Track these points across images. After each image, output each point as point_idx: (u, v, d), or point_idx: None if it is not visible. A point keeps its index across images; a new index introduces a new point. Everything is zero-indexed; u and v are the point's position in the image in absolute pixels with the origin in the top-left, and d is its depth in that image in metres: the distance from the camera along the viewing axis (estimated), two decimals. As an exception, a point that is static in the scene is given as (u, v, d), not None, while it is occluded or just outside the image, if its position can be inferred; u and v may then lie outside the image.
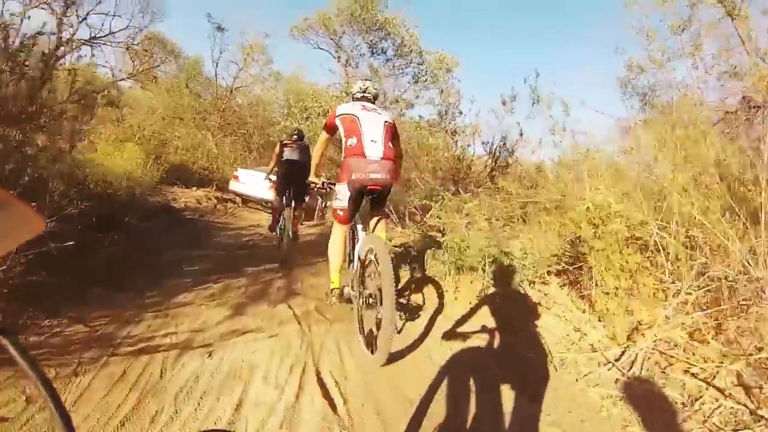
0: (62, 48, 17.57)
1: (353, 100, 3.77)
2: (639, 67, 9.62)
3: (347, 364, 3.40)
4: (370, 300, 3.27)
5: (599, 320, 4.40)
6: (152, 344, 3.45)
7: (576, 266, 5.10)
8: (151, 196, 9.90)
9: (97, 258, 4.96)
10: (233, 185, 12.54)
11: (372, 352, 3.22)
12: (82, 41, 18.27)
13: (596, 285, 4.52)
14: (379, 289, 3.06)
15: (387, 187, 3.43)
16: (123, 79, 20.36)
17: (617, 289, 4.23)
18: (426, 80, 18.70)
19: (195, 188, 12.81)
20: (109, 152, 9.75)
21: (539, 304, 4.81)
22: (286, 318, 4.30)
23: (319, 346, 3.69)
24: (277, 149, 7.33)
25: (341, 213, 3.53)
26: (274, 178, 7.29)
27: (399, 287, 5.22)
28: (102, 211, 5.98)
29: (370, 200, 3.52)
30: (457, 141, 12.24)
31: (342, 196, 3.44)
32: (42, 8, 16.80)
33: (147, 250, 6.20)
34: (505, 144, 12.15)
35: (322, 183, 4.19)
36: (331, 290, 3.66)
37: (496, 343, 4.02)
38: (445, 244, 5.71)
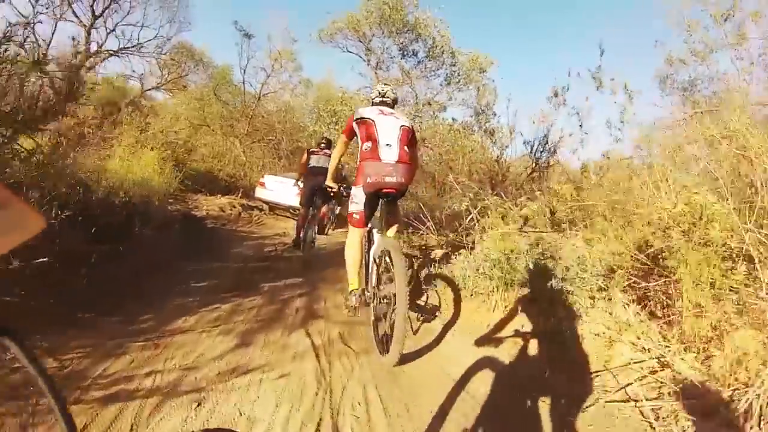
0: (91, 59, 17.44)
1: (372, 105, 3.78)
2: (680, 61, 8.73)
3: (375, 421, 2.58)
4: (385, 301, 3.32)
5: (686, 350, 3.48)
6: (129, 387, 2.69)
7: (648, 281, 4.19)
8: (172, 204, 9.35)
9: (94, 273, 4.27)
10: (259, 192, 11.93)
11: (385, 353, 3.23)
12: (110, 52, 18.31)
13: (685, 306, 3.60)
14: (393, 292, 3.10)
15: (401, 189, 3.45)
16: (151, 89, 20.37)
17: (706, 310, 3.33)
18: (459, 81, 18.01)
19: (220, 196, 12.20)
20: (127, 158, 9.24)
21: (606, 327, 3.90)
22: (302, 349, 3.49)
23: (341, 391, 2.88)
24: (304, 157, 7.34)
25: (357, 216, 3.51)
26: (302, 185, 7.21)
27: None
28: (110, 221, 5.36)
29: (385, 203, 3.54)
30: (495, 141, 11.40)
31: (358, 199, 3.46)
32: (71, 20, 16.84)
33: (156, 262, 5.53)
34: (547, 142, 11.28)
35: (339, 188, 4.16)
36: (351, 291, 3.57)
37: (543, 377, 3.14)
38: (489, 254, 4.89)
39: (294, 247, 7.13)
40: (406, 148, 3.42)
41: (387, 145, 3.34)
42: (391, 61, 18.45)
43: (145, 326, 3.63)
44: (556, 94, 7.77)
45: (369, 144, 3.36)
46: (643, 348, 3.60)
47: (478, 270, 4.94)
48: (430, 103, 17.02)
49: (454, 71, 18.19)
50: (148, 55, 18.83)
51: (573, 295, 4.35)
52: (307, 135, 15.40)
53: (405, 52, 18.08)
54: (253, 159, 17.44)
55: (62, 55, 16.49)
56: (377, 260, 3.52)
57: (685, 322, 3.56)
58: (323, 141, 7.54)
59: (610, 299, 4.34)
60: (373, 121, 3.43)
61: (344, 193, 4.06)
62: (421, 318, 4.44)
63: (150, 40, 18.68)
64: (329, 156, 6.75)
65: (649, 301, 4.16)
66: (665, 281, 3.90)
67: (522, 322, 4.09)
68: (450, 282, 5.12)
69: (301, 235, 6.87)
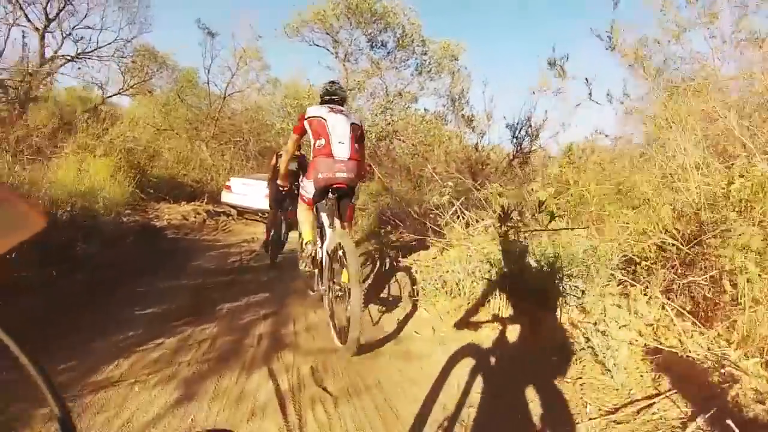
0: (47, 65, 16.27)
1: (321, 102, 3.86)
2: (655, 41, 8.21)
3: None
4: (339, 293, 3.39)
5: (746, 356, 2.81)
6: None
7: (679, 272, 3.54)
8: (129, 216, 8.48)
9: (9, 310, 3.46)
10: (225, 196, 11.09)
11: (343, 344, 3.25)
12: (68, 57, 17.14)
13: (744, 300, 2.95)
14: (348, 284, 3.19)
15: (352, 185, 3.57)
16: (113, 95, 19.23)
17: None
18: (431, 70, 17.28)
19: (184, 203, 11.27)
20: (76, 167, 8.31)
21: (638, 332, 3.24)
22: (263, 400, 2.65)
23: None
24: (273, 160, 7.10)
25: (306, 200, 3.72)
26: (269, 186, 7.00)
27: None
28: (46, 239, 4.60)
29: (336, 198, 3.61)
30: (474, 128, 10.74)
31: (308, 191, 3.61)
32: (23, 25, 15.64)
33: (97, 286, 4.68)
34: (530, 125, 10.67)
35: (291, 186, 4.40)
36: (306, 243, 3.79)
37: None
38: (487, 254, 4.22)
39: (264, 250, 6.83)
40: (356, 145, 3.56)
41: (339, 142, 3.45)
42: (359, 52, 17.70)
43: (63, 379, 2.79)
44: (552, 64, 7.07)
45: (322, 141, 3.46)
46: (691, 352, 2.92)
47: (473, 273, 4.25)
48: (401, 94, 16.32)
49: (425, 60, 17.51)
50: (108, 59, 17.69)
51: (586, 294, 3.69)
52: (274, 133, 14.50)
53: (374, 43, 17.31)
54: (221, 162, 16.54)
55: (16, 62, 15.65)
56: (330, 254, 3.57)
57: (742, 320, 2.92)
58: None
59: (624, 294, 3.69)
60: (324, 119, 3.52)
61: (297, 192, 4.11)
62: (383, 309, 4.41)
63: (110, 43, 17.53)
64: (301, 157, 6.53)
65: (677, 296, 3.51)
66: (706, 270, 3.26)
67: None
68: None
69: (270, 239, 6.52)
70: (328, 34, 17.52)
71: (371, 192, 10.18)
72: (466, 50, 16.08)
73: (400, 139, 13.44)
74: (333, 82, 4.00)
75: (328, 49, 18.09)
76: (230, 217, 11.36)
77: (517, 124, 10.61)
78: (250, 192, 10.54)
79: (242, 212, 11.39)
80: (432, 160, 10.98)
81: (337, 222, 3.64)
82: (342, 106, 3.84)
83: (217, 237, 9.10)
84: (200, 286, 5.25)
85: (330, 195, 3.61)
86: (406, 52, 17.29)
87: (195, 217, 10.16)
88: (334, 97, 3.85)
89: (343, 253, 3.25)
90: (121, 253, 6.13)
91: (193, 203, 11.49)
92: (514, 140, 9.90)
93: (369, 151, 11.94)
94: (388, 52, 17.40)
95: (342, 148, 3.45)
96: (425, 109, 15.51)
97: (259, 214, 10.89)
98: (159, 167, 13.23)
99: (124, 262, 5.80)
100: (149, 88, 20.43)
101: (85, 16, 16.46)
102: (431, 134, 13.15)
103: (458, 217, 5.60)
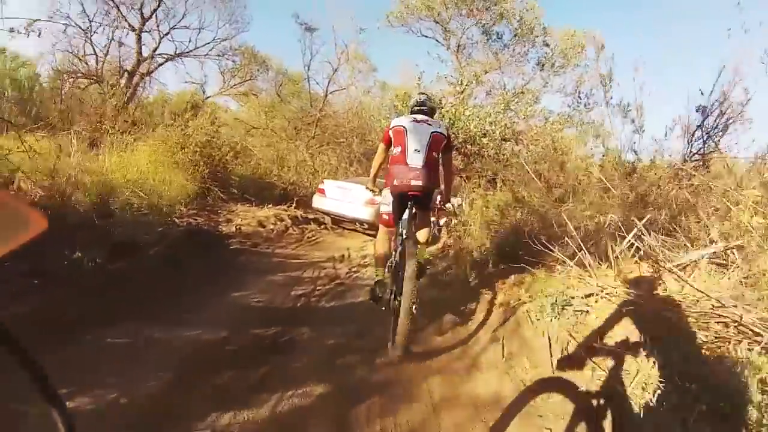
0: (144, 63, 15.13)
1: (411, 113, 3.66)
2: None
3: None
4: (396, 294, 3.20)
5: None
6: None
7: None
8: (189, 217, 6.39)
9: None
10: (318, 201, 8.84)
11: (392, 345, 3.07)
12: (166, 56, 16.09)
13: None
14: (402, 282, 3.04)
15: (426, 192, 3.33)
16: (213, 96, 18.04)
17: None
18: (554, 64, 14.54)
19: (271, 206, 9.12)
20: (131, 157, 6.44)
21: None
22: None
23: None
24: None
25: (386, 217, 3.47)
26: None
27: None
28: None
29: (413, 206, 3.28)
30: (632, 120, 7.55)
31: (387, 200, 3.42)
32: (123, 26, 14.81)
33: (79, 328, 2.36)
34: (722, 113, 7.18)
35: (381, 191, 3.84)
36: (376, 282, 3.49)
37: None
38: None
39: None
40: (435, 153, 3.37)
41: (415, 150, 3.29)
42: (473, 45, 15.29)
43: None
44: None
45: (399, 149, 3.33)
46: None
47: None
48: (523, 92, 13.36)
49: (547, 53, 14.74)
50: (207, 58, 16.53)
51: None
52: (379, 129, 12.20)
53: (488, 34, 14.69)
54: (322, 165, 14.48)
55: (114, 61, 14.91)
56: (397, 259, 3.28)
57: None
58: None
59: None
60: (404, 128, 3.38)
61: None
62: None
63: (207, 43, 16.34)
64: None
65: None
66: None
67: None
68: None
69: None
70: (437, 23, 15.32)
71: (498, 204, 7.20)
72: (603, 45, 12.59)
73: (522, 142, 10.46)
74: (422, 93, 3.90)
75: (437, 40, 15.64)
76: (323, 226, 9.05)
77: (709, 106, 7.09)
78: (346, 197, 8.36)
79: (338, 220, 9.11)
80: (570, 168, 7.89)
81: (414, 231, 3.23)
82: (430, 116, 3.59)
83: (297, 251, 6.71)
84: (214, 349, 2.73)
85: (408, 206, 3.25)
86: (524, 44, 14.55)
87: (276, 223, 7.89)
88: (422, 107, 3.59)
89: (406, 255, 3.04)
90: (130, 270, 3.85)
91: (280, 207, 9.30)
92: (689, 138, 6.53)
93: (492, 152, 9.59)
94: (505, 45, 14.76)
95: (417, 156, 3.26)
96: (549, 111, 12.60)
97: (358, 225, 8.62)
98: (247, 166, 11.34)
99: (133, 282, 3.54)
100: (254, 90, 19.21)
101: (183, 17, 15.43)
102: (557, 138, 10.08)
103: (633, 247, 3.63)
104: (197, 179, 7.97)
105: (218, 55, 16.86)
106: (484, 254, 5.22)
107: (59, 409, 0.60)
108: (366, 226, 8.51)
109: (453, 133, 9.62)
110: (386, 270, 3.44)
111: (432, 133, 3.41)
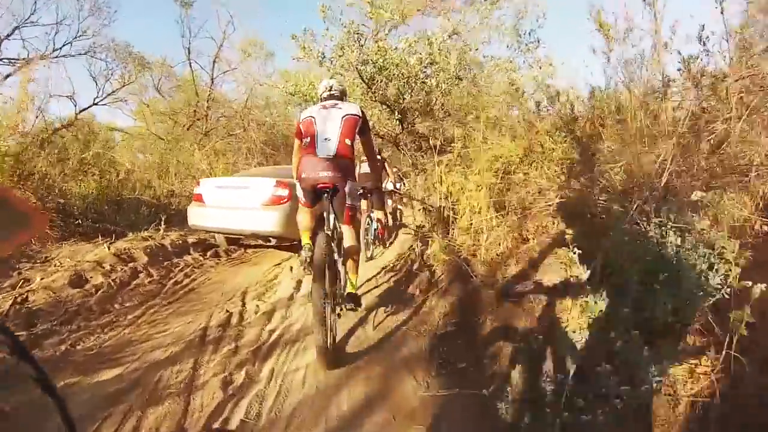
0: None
1: (321, 101, 3.24)
2: None
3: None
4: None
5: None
6: None
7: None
8: None
9: None
10: (194, 215, 5.42)
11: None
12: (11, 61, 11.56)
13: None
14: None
15: (339, 184, 2.94)
16: (86, 108, 13.57)
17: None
18: None
19: (108, 242, 5.37)
20: None
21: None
22: None
23: None
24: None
25: (302, 201, 3.10)
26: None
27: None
28: None
29: (330, 200, 2.93)
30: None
31: (299, 193, 3.09)
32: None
33: None
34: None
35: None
36: (303, 245, 3.09)
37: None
38: None
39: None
40: (348, 140, 2.99)
41: (325, 139, 2.95)
42: None
43: None
44: None
45: (308, 139, 3.00)
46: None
47: None
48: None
49: None
50: (69, 59, 12.20)
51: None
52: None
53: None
54: (218, 162, 10.92)
55: None
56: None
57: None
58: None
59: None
60: (313, 117, 3.03)
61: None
62: None
63: (68, 43, 12.01)
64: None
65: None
66: None
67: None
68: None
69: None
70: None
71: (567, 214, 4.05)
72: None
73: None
74: (331, 78, 3.97)
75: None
76: (210, 252, 5.63)
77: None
78: (237, 201, 5.13)
79: (232, 238, 5.76)
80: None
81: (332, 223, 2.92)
82: (341, 100, 3.20)
83: (132, 333, 3.12)
84: None
85: (324, 197, 2.94)
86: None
87: (112, 271, 4.35)
88: (332, 92, 3.20)
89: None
90: None
91: (139, 235, 5.72)
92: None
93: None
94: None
95: (327, 145, 2.92)
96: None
97: (267, 240, 5.39)
98: (104, 181, 7.64)
99: None
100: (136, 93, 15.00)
101: (32, 13, 11.05)
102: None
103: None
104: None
105: (84, 53, 12.59)
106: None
107: (60, 409, 0.57)
108: (273, 241, 5.28)
109: (383, 83, 6.57)
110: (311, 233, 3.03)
111: (344, 117, 3.03)
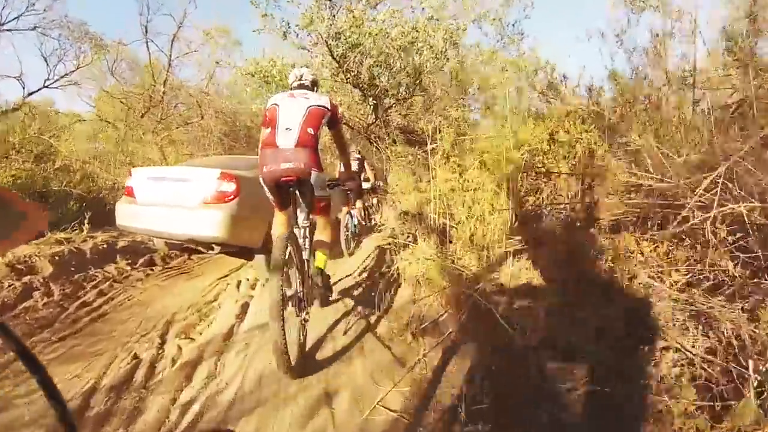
0: None
1: (290, 90, 2.96)
2: None
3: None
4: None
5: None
6: None
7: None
8: None
9: None
10: (123, 213, 4.29)
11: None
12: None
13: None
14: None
15: (303, 176, 2.64)
16: (35, 91, 12.05)
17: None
18: None
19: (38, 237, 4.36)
20: None
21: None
22: None
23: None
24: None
25: (273, 202, 2.81)
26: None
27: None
28: None
29: (294, 194, 2.73)
30: None
31: (267, 192, 2.77)
32: None
33: None
34: None
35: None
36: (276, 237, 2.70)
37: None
38: None
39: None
40: (311, 130, 2.67)
41: (286, 129, 2.64)
42: None
43: None
44: None
45: (268, 130, 2.70)
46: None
47: None
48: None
49: None
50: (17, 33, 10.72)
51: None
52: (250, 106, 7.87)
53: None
54: (177, 153, 9.79)
55: None
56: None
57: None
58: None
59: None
60: (277, 105, 2.73)
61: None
62: None
63: (17, 17, 10.52)
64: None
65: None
66: None
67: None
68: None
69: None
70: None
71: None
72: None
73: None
74: (303, 66, 3.38)
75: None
76: (143, 259, 4.57)
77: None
78: (173, 197, 4.02)
79: (172, 242, 4.66)
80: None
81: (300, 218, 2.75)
82: (311, 90, 2.93)
83: None
84: None
85: (291, 191, 2.71)
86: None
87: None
88: (303, 81, 2.94)
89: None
90: None
91: (54, 236, 4.60)
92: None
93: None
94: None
95: (288, 136, 2.61)
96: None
97: (209, 248, 4.16)
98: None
99: None
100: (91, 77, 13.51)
101: None
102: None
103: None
104: None
105: (32, 29, 11.11)
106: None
107: (60, 409, 0.54)
108: (216, 250, 4.23)
109: (358, 59, 5.57)
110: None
111: (309, 107, 2.72)
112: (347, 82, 5.43)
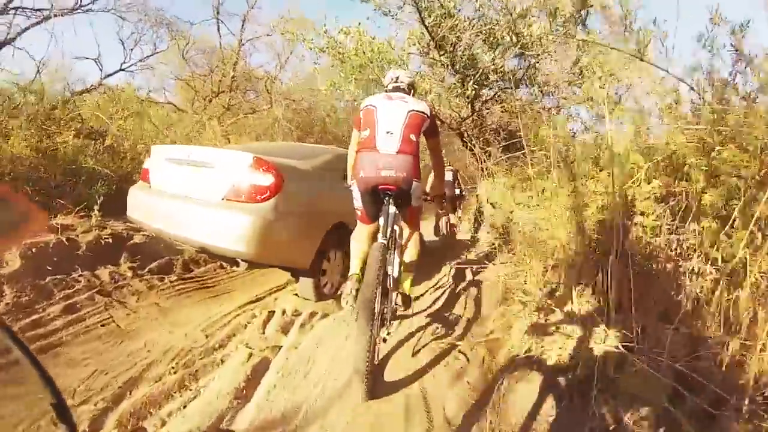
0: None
1: (386, 92, 2.71)
2: None
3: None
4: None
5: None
6: None
7: None
8: None
9: None
10: (134, 203, 3.25)
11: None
12: (30, 15, 9.73)
13: None
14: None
15: (403, 186, 2.39)
16: (112, 73, 11.73)
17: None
18: None
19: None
20: None
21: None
22: None
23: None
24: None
25: (359, 213, 2.54)
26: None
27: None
28: None
29: (389, 203, 2.39)
30: None
31: (355, 195, 2.51)
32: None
33: None
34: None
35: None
36: (351, 275, 2.53)
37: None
38: None
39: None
40: (412, 136, 2.43)
41: (387, 132, 2.40)
42: None
43: None
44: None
45: (367, 131, 2.44)
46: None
47: None
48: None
49: None
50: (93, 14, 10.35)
51: None
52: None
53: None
54: (242, 140, 8.99)
55: None
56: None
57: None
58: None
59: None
60: (375, 107, 2.49)
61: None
62: None
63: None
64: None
65: None
66: None
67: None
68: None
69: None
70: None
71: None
72: None
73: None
74: (399, 68, 3.27)
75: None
76: (168, 263, 3.51)
77: None
78: (186, 187, 2.89)
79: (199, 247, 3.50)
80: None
81: (395, 246, 2.42)
82: (407, 93, 2.67)
83: None
84: None
85: (385, 203, 2.39)
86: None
87: None
88: (398, 83, 2.69)
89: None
90: None
91: (49, 222, 3.62)
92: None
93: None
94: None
95: (389, 140, 2.36)
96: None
97: (234, 262, 2.96)
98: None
99: None
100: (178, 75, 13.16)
101: None
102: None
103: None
104: None
105: (108, 10, 10.73)
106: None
107: (62, 410, 0.53)
108: (243, 266, 3.07)
109: (446, 34, 4.47)
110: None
111: (409, 111, 2.49)
112: (440, 63, 4.16)
